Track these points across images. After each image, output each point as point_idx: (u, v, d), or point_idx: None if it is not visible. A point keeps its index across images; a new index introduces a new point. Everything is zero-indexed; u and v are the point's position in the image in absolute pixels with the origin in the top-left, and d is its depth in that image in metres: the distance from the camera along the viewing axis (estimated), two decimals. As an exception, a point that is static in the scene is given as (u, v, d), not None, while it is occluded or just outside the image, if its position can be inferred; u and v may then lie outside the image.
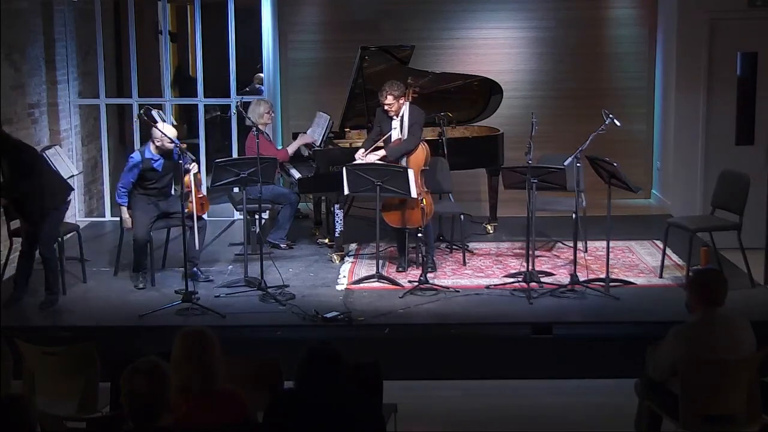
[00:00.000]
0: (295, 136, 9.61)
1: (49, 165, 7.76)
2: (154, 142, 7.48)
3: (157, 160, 7.52)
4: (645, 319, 6.85)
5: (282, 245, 8.68)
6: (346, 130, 9.29)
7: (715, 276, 5.04)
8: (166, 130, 7.43)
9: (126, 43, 10.28)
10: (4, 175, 6.92)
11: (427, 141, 8.20)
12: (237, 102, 8.69)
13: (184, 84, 11.78)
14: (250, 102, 8.83)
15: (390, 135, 7.80)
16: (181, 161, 7.20)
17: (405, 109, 7.79)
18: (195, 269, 7.60)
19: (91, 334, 6.30)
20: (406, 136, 7.76)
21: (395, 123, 7.91)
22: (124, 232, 8.06)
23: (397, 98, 7.76)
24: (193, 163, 7.58)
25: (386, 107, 7.81)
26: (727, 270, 7.41)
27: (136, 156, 7.57)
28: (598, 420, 5.88)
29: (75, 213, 9.75)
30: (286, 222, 8.66)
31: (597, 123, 7.40)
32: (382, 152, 7.76)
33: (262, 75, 11.37)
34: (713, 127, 9.75)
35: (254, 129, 7.89)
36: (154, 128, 7.46)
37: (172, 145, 7.38)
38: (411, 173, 7.39)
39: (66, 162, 8.77)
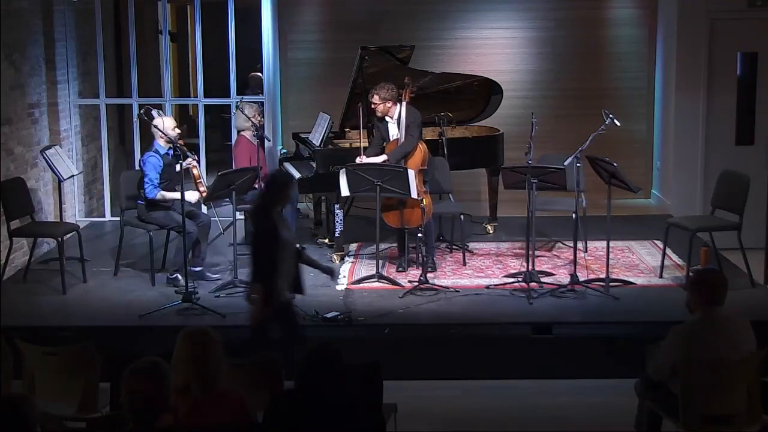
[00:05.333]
0: (295, 136, 9.64)
1: None
2: (159, 137, 7.54)
3: (170, 153, 7.60)
4: (645, 319, 6.85)
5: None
6: (346, 130, 9.29)
7: (715, 276, 5.04)
8: (165, 122, 7.62)
9: (126, 43, 10.27)
10: None
11: (427, 141, 8.21)
12: (237, 102, 8.70)
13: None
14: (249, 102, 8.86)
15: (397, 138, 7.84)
16: (180, 161, 7.26)
17: (402, 111, 7.81)
18: (177, 275, 7.58)
19: (91, 334, 6.29)
20: (403, 137, 7.78)
21: (392, 125, 7.94)
22: (124, 232, 8.06)
23: (383, 100, 7.80)
24: (189, 159, 7.65)
25: (372, 106, 7.87)
26: (727, 270, 7.40)
27: (150, 157, 7.55)
28: (598, 420, 5.88)
29: (75, 213, 9.76)
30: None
31: (597, 123, 7.40)
32: (383, 156, 7.78)
33: (257, 74, 11.39)
34: (713, 127, 9.75)
35: (254, 133, 7.99)
36: (153, 124, 7.58)
37: (176, 132, 7.56)
38: (411, 173, 7.40)
39: (66, 162, 8.78)
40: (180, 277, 7.52)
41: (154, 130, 7.59)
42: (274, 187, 5.99)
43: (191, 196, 7.59)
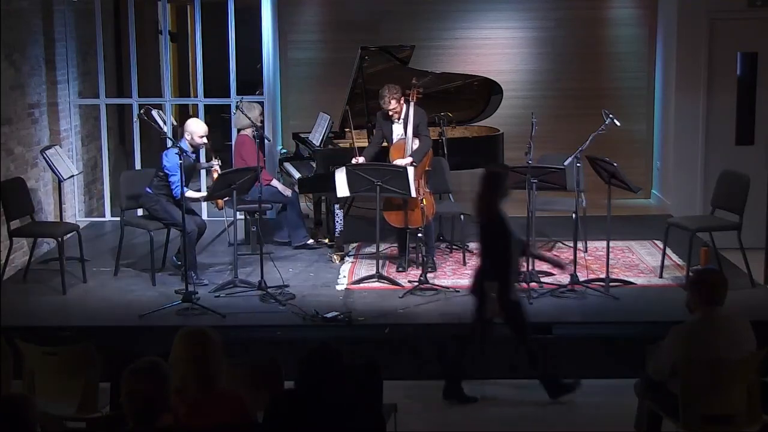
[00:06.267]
0: (295, 136, 9.64)
1: None
2: (186, 138, 7.63)
3: (192, 155, 7.69)
4: (645, 319, 6.85)
5: (309, 241, 8.68)
6: (346, 130, 9.28)
7: (715, 276, 5.04)
8: (197, 126, 7.71)
9: (126, 43, 10.27)
10: None
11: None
12: (237, 102, 8.71)
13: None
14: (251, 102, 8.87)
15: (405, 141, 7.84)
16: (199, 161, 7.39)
17: (410, 111, 7.82)
18: (191, 271, 7.59)
19: (91, 334, 6.30)
20: (411, 137, 7.77)
21: (396, 125, 7.94)
22: (124, 232, 8.07)
23: (398, 100, 7.82)
24: (213, 162, 7.88)
25: (391, 112, 7.86)
26: (727, 270, 7.40)
27: (174, 156, 7.54)
28: (598, 420, 5.88)
29: (75, 213, 9.76)
30: (298, 220, 8.68)
31: (597, 123, 7.40)
32: (409, 159, 7.75)
33: None
34: (713, 127, 9.75)
35: (254, 132, 8.03)
36: (186, 124, 7.75)
37: (203, 140, 7.68)
38: (410, 173, 7.39)
39: (66, 162, 8.78)
40: (194, 274, 7.60)
41: (185, 131, 7.71)
42: (493, 181, 6.05)
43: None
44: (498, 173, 6.14)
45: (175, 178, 7.51)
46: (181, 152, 7.24)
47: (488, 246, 5.92)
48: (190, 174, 7.62)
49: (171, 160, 7.54)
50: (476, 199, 6.06)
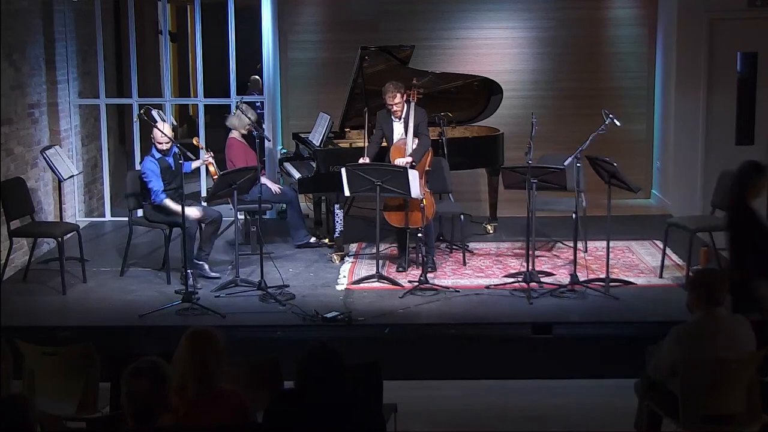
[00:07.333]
0: (295, 136, 9.64)
1: None
2: (156, 145, 7.62)
3: (167, 158, 7.68)
4: (645, 319, 6.85)
5: (311, 240, 8.68)
6: (346, 130, 9.29)
7: (715, 276, 5.04)
8: (162, 129, 7.62)
9: (126, 43, 10.28)
10: None
11: (428, 141, 8.21)
12: (237, 102, 8.71)
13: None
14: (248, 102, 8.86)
15: (405, 140, 7.82)
16: (180, 161, 7.27)
17: (411, 111, 7.82)
18: (193, 269, 7.58)
19: (91, 334, 6.30)
20: (411, 137, 7.77)
21: (397, 125, 7.94)
22: (132, 233, 8.05)
23: (402, 95, 7.82)
24: (206, 156, 7.89)
25: (395, 107, 7.85)
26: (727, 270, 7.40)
27: (149, 162, 7.60)
28: (598, 420, 5.88)
29: (75, 213, 9.76)
30: (298, 220, 8.68)
31: (597, 123, 7.41)
32: (409, 158, 7.74)
33: (255, 77, 11.42)
34: (713, 127, 9.75)
35: (254, 133, 8.02)
36: (154, 129, 7.62)
37: (168, 144, 7.60)
38: (412, 173, 7.39)
39: (66, 162, 8.78)
40: (196, 268, 7.59)
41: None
42: (744, 177, 5.99)
43: (191, 212, 7.59)
44: (749, 171, 6.10)
45: (153, 184, 7.55)
46: (183, 153, 7.25)
47: (746, 244, 5.83)
48: (169, 176, 7.65)
49: (145, 167, 7.63)
50: (729, 197, 6.04)
